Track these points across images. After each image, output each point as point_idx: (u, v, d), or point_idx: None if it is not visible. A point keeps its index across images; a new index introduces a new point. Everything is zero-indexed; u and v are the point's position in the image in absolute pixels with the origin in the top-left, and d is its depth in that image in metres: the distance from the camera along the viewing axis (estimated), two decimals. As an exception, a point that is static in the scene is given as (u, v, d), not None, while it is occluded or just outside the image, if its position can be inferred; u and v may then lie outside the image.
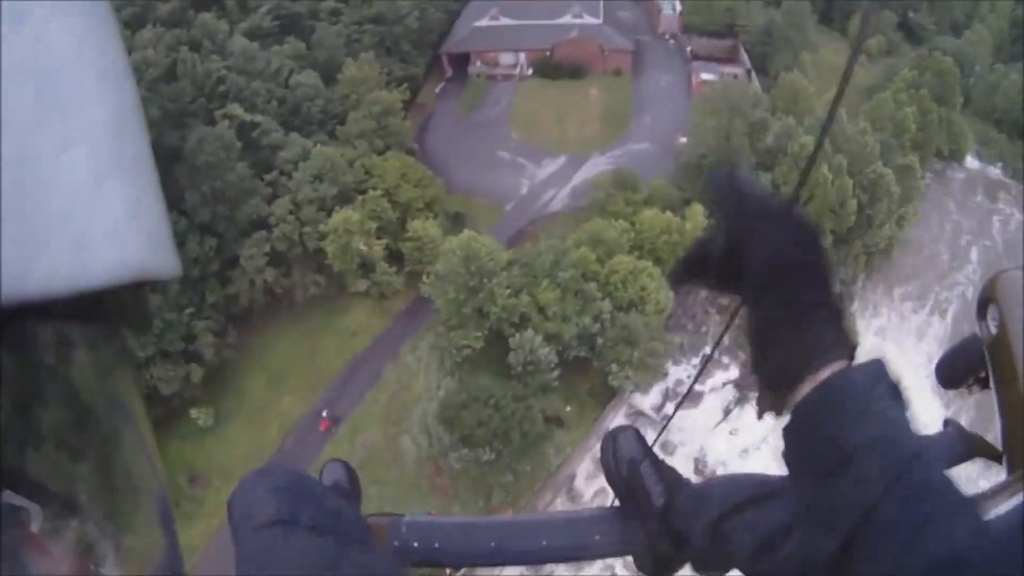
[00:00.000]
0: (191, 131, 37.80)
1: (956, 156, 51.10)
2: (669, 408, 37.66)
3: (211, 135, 37.00)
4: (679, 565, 1.88)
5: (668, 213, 35.40)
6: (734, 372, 39.60)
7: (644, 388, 36.32)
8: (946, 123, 48.78)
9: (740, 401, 39.05)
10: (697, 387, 38.68)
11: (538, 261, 32.79)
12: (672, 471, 2.00)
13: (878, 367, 1.03)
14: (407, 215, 35.63)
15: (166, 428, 36.66)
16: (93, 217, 0.65)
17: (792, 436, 1.08)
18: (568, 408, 34.51)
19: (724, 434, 38.14)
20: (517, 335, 31.50)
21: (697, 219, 35.51)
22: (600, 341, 33.27)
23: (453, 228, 36.25)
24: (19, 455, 0.65)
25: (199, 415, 35.73)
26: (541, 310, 32.38)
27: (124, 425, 0.86)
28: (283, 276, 36.44)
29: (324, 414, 34.93)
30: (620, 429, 2.12)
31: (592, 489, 35.10)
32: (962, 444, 1.91)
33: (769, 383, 1.09)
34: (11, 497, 0.64)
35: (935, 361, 2.08)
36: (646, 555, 1.91)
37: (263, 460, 35.08)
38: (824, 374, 1.03)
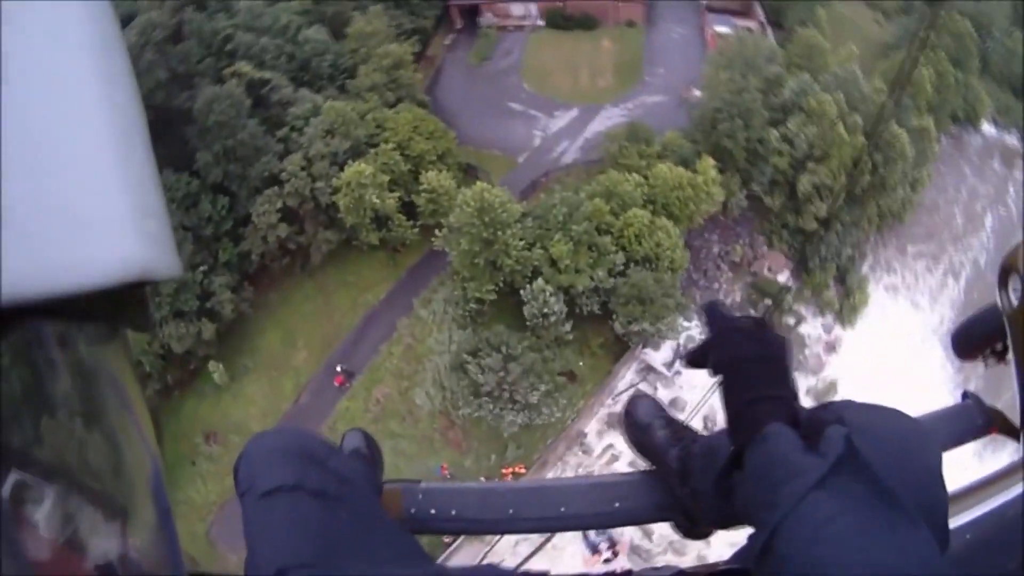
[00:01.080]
0: (200, 91, 37.51)
1: (972, 121, 50.08)
2: (680, 364, 37.78)
3: (221, 94, 36.72)
4: (710, 524, 1.89)
5: (681, 168, 35.02)
6: (747, 329, 39.53)
7: (656, 344, 36.35)
8: (963, 87, 47.80)
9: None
10: (708, 344, 38.81)
11: (551, 213, 32.65)
12: (687, 430, 2.04)
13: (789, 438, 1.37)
14: (420, 168, 35.40)
15: (181, 388, 37.11)
16: (95, 218, 0.65)
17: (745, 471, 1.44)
18: (581, 363, 34.62)
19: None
20: (529, 286, 31.47)
21: (708, 173, 35.21)
22: (612, 297, 33.22)
23: (466, 180, 36.05)
24: (21, 449, 0.65)
25: (215, 370, 35.98)
26: (554, 263, 32.34)
27: (124, 421, 0.85)
28: (296, 233, 36.40)
29: (339, 369, 35.14)
30: (637, 397, 2.18)
31: (602, 444, 35.36)
32: (981, 418, 1.92)
33: (730, 432, 1.51)
34: (18, 475, 0.65)
35: (951, 331, 2.05)
36: (675, 517, 1.92)
37: (279, 416, 35.52)
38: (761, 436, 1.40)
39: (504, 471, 32.99)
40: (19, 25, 0.63)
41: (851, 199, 40.64)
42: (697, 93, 41.15)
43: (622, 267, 33.00)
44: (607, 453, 35.25)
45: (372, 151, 35.81)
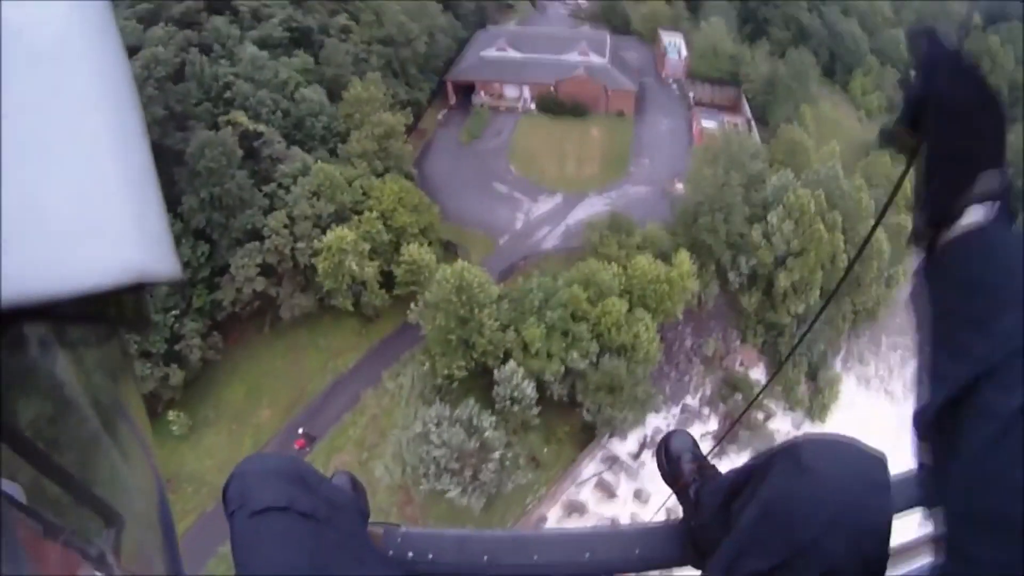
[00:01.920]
0: (194, 134, 37.64)
1: (950, 220, 51.47)
2: (646, 456, 37.61)
3: (214, 140, 36.85)
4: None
5: (659, 262, 35.48)
6: (713, 424, 39.66)
7: (622, 434, 36.25)
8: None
9: (718, 455, 38.83)
10: (675, 435, 38.75)
11: (528, 298, 32.79)
12: (712, 468, 2.05)
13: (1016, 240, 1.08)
14: (401, 239, 35.58)
15: (138, 431, 36.28)
16: (93, 219, 0.66)
17: (936, 273, 1.14)
18: (545, 449, 34.37)
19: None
20: (505, 367, 31.48)
21: (684, 267, 35.66)
22: (582, 384, 33.24)
23: (446, 256, 36.24)
24: (18, 451, 0.66)
25: (175, 420, 35.28)
26: (526, 346, 32.36)
27: (122, 424, 0.86)
28: (273, 286, 36.21)
29: (300, 431, 34.62)
30: (675, 431, 2.22)
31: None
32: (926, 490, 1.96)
33: (927, 215, 1.18)
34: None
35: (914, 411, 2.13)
36: (668, 561, 1.95)
37: (234, 473, 34.74)
38: (978, 215, 1.12)
39: None
40: (17, 28, 0.64)
41: (825, 297, 41.20)
42: (680, 187, 42.01)
43: (595, 356, 33.06)
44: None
45: (356, 218, 35.98)
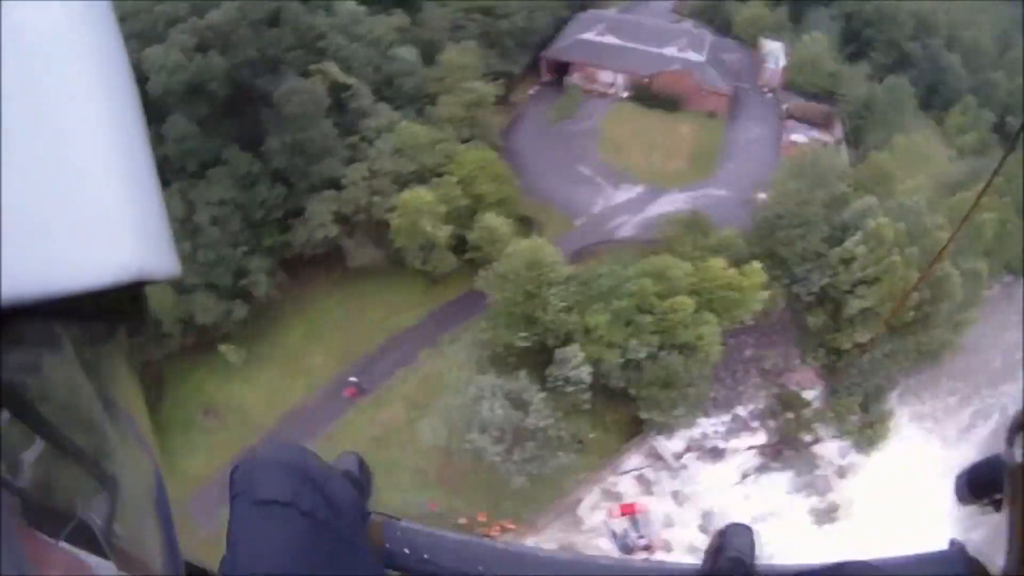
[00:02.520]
0: (284, 79, 38.12)
1: (1029, 275, 49.50)
2: (689, 458, 37.19)
3: (303, 87, 37.36)
4: None
5: (733, 270, 34.89)
6: (761, 438, 39.01)
7: (669, 433, 35.88)
8: (1024, 238, 47.31)
9: (760, 469, 38.43)
10: (721, 444, 38.26)
11: (596, 283, 32.60)
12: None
13: None
14: (478, 207, 35.64)
15: (193, 357, 37.18)
16: (93, 219, 0.66)
17: None
18: (592, 435, 34.19)
19: (738, 497, 37.58)
20: (566, 348, 31.36)
21: (755, 278, 34.97)
22: (637, 375, 32.94)
23: (521, 230, 36.20)
24: (18, 449, 0.66)
25: (228, 351, 36.00)
26: (588, 331, 32.17)
27: (122, 424, 0.86)
28: (345, 235, 36.59)
29: (352, 380, 35.00)
30: (742, 525, 2.08)
31: (593, 520, 34.75)
32: (962, 567, 1.86)
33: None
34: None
35: (956, 473, 1.98)
36: None
37: (283, 409, 35.42)
38: None
39: (489, 530, 32.44)
40: (18, 27, 0.64)
41: (893, 331, 40.13)
42: (763, 196, 41.18)
43: (655, 348, 32.74)
44: (593, 532, 34.64)
45: (435, 180, 36.14)
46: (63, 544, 0.69)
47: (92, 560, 0.73)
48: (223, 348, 36.10)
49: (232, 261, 36.21)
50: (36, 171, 0.63)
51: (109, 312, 0.75)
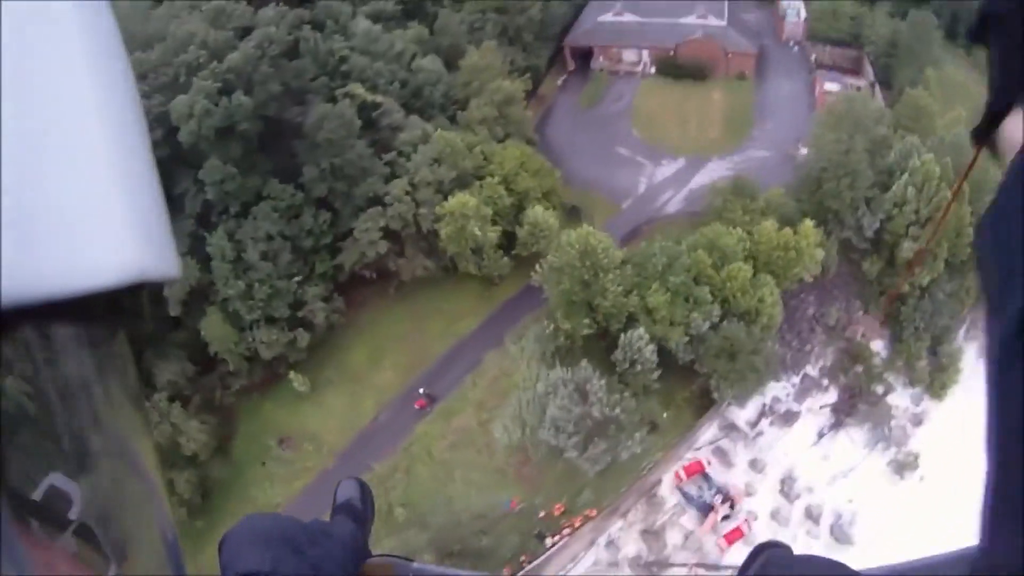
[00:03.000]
0: (312, 108, 38.54)
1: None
2: (764, 424, 37.01)
3: (332, 112, 37.66)
4: None
5: (787, 229, 34.55)
6: (832, 395, 38.57)
7: (741, 402, 35.74)
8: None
9: (835, 427, 38.03)
10: (794, 407, 37.96)
11: (651, 262, 32.57)
12: None
13: None
14: (523, 203, 35.86)
15: (262, 390, 38.21)
16: (93, 220, 0.66)
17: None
18: (664, 414, 34.25)
19: (816, 458, 37.26)
20: (629, 332, 31.46)
21: (810, 237, 34.60)
22: (703, 348, 32.89)
23: (568, 221, 36.32)
24: (18, 452, 0.66)
25: (296, 379, 36.87)
26: (649, 312, 32.22)
27: (122, 424, 0.87)
28: (396, 254, 37.14)
29: (421, 392, 35.59)
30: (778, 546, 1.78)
31: (675, 498, 34.81)
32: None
33: (987, 105, 1.03)
34: (56, 479, 0.67)
35: None
36: None
37: (356, 431, 36.13)
38: None
39: (572, 521, 32.77)
40: (16, 27, 0.64)
41: (951, 269, 39.30)
42: (803, 151, 40.60)
43: (717, 319, 32.64)
44: (675, 510, 34.72)
45: (477, 183, 36.43)
46: (63, 543, 0.72)
47: (93, 561, 0.76)
48: (291, 376, 36.95)
49: (288, 292, 36.92)
50: (35, 172, 0.64)
51: (110, 313, 0.76)
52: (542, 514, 32.91)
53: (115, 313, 0.76)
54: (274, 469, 36.64)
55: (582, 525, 32.79)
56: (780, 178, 38.45)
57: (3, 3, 0.63)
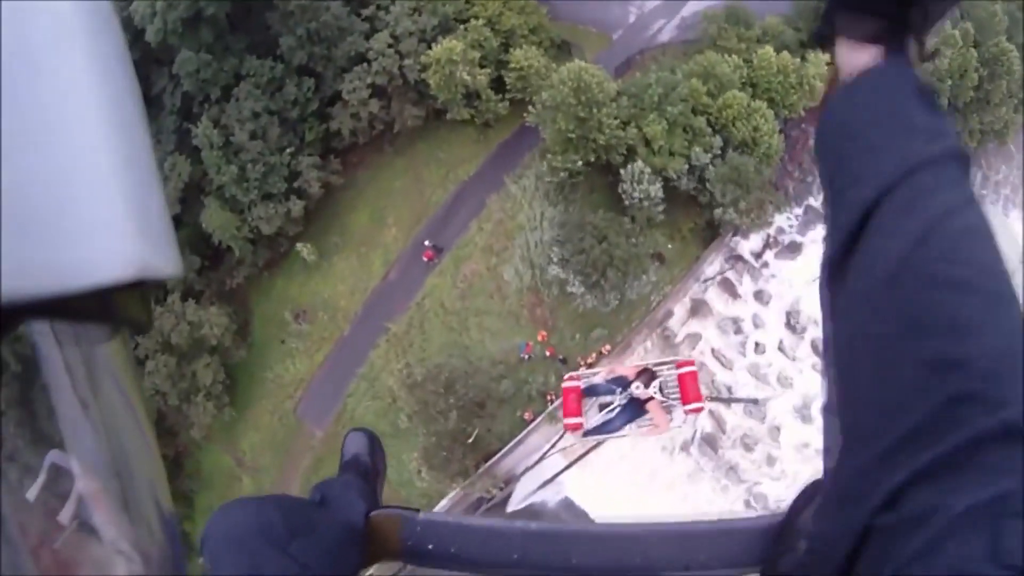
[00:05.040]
0: (283, -26, 36.96)
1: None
2: (768, 255, 37.29)
3: (303, -24, 36.12)
4: None
5: (787, 54, 33.67)
6: (835, 225, 38.59)
7: (745, 232, 35.87)
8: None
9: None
10: (798, 237, 38.15)
11: (647, 93, 31.95)
12: None
13: (907, 73, 1.06)
14: (511, 43, 34.81)
15: (271, 269, 38.23)
16: (93, 216, 0.64)
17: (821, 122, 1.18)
18: (670, 246, 34.41)
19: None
20: (629, 166, 31.17)
21: (820, 67, 33.69)
22: (708, 178, 32.69)
23: (559, 56, 35.37)
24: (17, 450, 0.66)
25: (303, 249, 36.81)
26: (648, 143, 31.83)
27: (123, 425, 0.85)
28: (385, 108, 36.36)
29: (427, 244, 35.57)
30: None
31: (685, 331, 35.42)
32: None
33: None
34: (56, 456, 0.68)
35: None
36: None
37: (367, 293, 36.29)
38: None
39: (584, 359, 33.26)
40: (15, 18, 0.62)
41: (954, 111, 39.05)
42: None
43: (719, 150, 32.32)
44: (687, 341, 35.38)
45: (462, 27, 35.27)
46: (63, 543, 0.69)
47: (94, 554, 0.73)
48: (299, 247, 36.85)
49: (282, 166, 36.46)
50: (35, 168, 0.61)
51: (111, 311, 0.72)
52: (548, 353, 33.47)
53: (116, 311, 0.76)
54: (293, 344, 37.08)
55: (596, 362, 33.43)
56: (777, 7, 37.21)
57: (3, 3, 0.62)
